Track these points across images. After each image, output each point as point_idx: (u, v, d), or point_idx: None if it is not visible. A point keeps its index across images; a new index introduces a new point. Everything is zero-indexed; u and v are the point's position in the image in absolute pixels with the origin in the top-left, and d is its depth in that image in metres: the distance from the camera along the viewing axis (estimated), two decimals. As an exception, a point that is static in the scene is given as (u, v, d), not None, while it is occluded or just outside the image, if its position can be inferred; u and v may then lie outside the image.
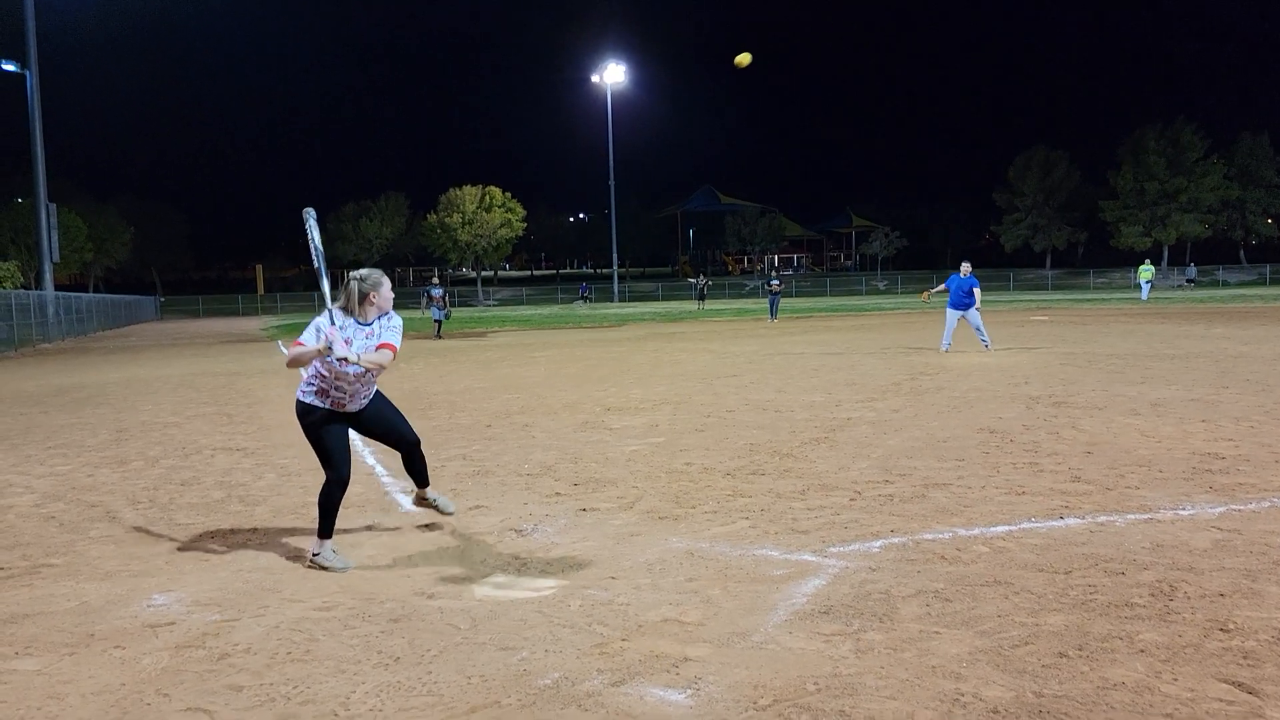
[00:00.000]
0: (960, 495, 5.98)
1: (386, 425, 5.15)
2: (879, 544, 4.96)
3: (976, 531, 5.14)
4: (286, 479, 7.23)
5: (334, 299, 4.85)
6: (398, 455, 5.40)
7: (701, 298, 49.15)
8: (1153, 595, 4.04)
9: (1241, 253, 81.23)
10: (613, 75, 68.50)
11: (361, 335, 4.77)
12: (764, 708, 3.08)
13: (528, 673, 3.43)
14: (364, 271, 4.89)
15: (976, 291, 16.15)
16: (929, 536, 5.06)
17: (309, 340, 4.68)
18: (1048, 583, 4.25)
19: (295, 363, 4.79)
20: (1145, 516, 5.35)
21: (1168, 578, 4.26)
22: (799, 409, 10.03)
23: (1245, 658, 3.36)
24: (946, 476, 6.52)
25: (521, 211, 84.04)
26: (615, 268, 74.89)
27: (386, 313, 4.92)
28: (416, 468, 5.34)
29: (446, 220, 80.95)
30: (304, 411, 4.86)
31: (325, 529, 4.85)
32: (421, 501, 5.50)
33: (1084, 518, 5.35)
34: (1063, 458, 7.06)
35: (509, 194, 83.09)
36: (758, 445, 7.95)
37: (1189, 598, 4.00)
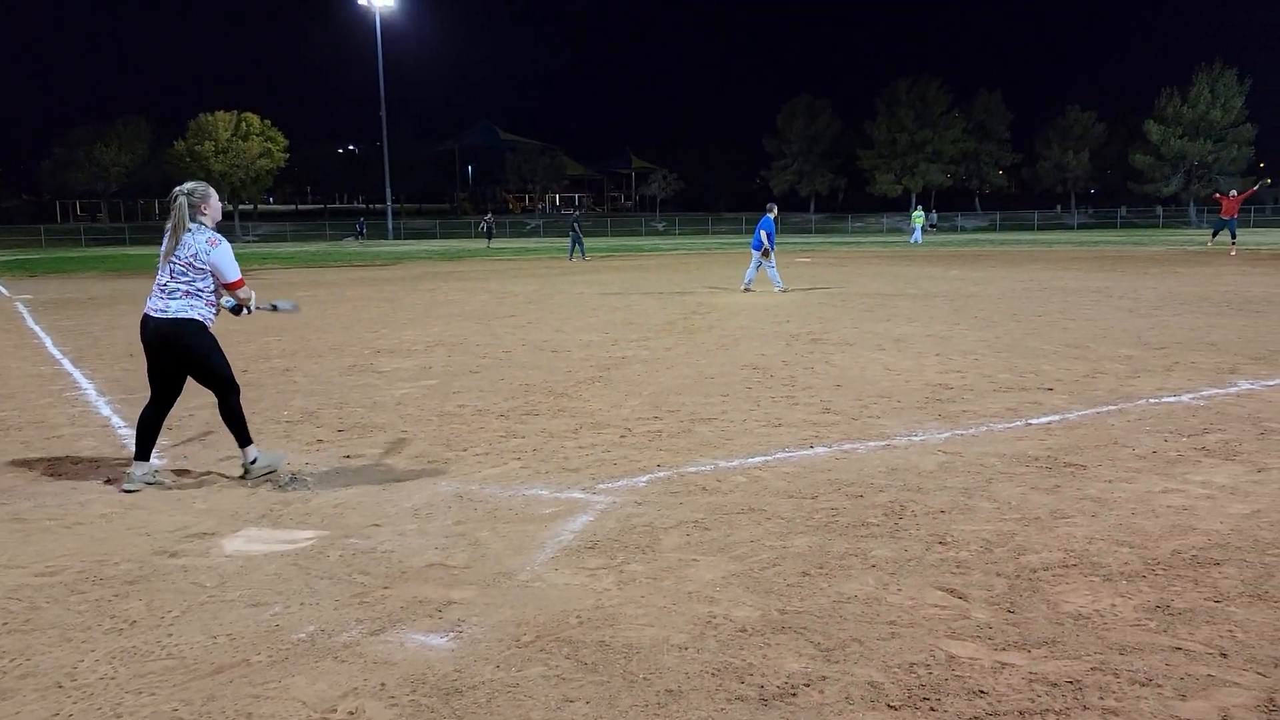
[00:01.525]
0: (723, 429, 6.26)
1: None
2: (645, 479, 5.11)
3: (736, 463, 5.40)
4: (3, 434, 6.50)
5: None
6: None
7: (489, 236, 48.43)
8: (885, 515, 4.42)
9: (977, 201, 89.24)
10: (383, -3, 64.67)
11: (187, 251, 4.93)
12: (526, 644, 3.11)
13: (280, 628, 3.28)
14: (189, 185, 5.05)
15: (761, 234, 16.78)
16: (692, 469, 5.28)
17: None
18: (796, 508, 4.55)
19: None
20: (883, 443, 5.82)
21: (899, 498, 4.67)
22: (576, 348, 10.12)
23: (958, 567, 3.75)
24: (712, 411, 6.81)
25: (283, 141, 78.70)
26: (390, 203, 72.01)
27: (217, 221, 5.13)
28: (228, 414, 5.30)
29: (197, 148, 74.56)
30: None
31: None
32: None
33: (831, 446, 5.76)
34: (816, 391, 7.54)
35: (268, 121, 77.55)
36: (533, 385, 7.96)
37: (915, 516, 4.40)
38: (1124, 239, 45.79)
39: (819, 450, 5.66)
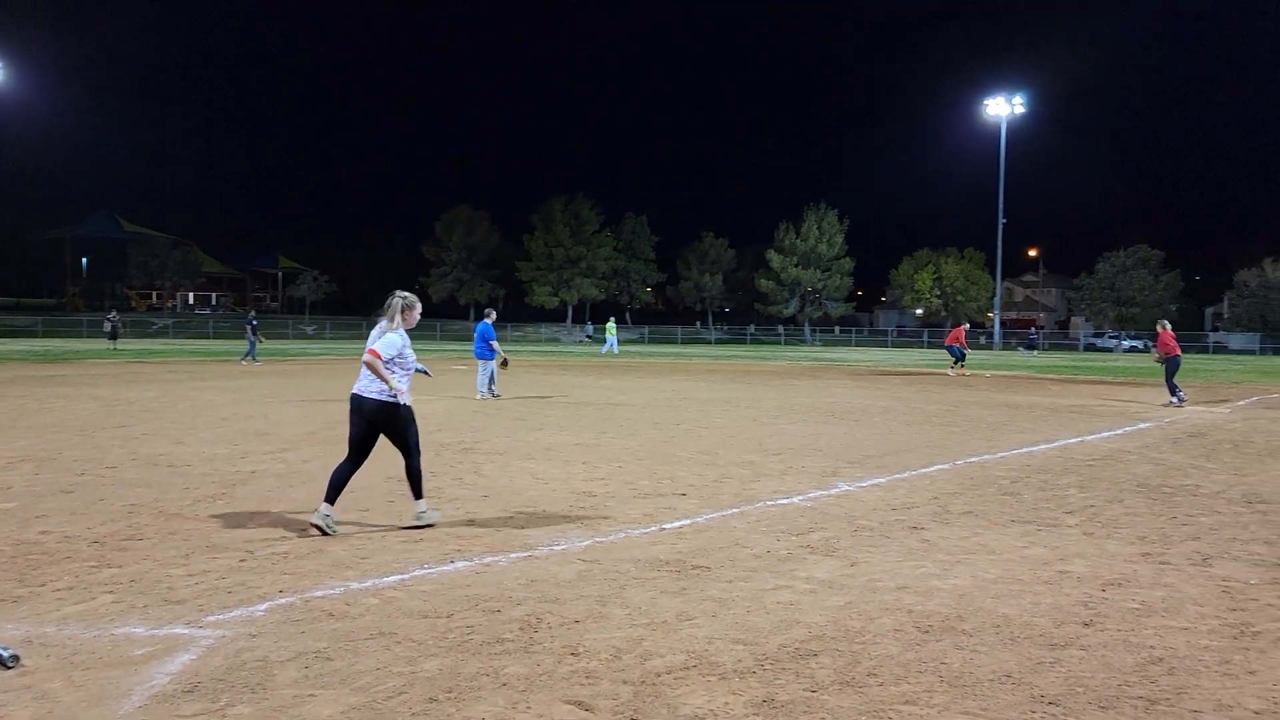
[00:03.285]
0: (359, 547, 5.92)
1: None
2: (264, 607, 4.66)
3: (369, 583, 5.10)
4: None
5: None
6: None
7: (113, 336, 43.14)
8: (521, 629, 4.36)
9: (628, 315, 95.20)
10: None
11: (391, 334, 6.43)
12: (89, 821, 2.62)
13: None
14: (406, 293, 6.58)
15: (492, 343, 16.82)
16: (319, 594, 4.90)
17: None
18: (429, 628, 4.35)
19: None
20: (525, 554, 5.80)
21: (536, 611, 4.63)
22: (198, 463, 9.19)
23: (588, 677, 3.75)
24: (347, 529, 6.42)
25: None
26: (-18, 296, 62.06)
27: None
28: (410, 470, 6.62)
29: None
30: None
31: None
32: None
33: (473, 560, 5.63)
34: (462, 502, 7.41)
35: None
36: (140, 506, 7.07)
37: (550, 628, 4.38)
38: (752, 354, 50.89)
39: (459, 565, 5.52)
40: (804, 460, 9.94)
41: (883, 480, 8.79)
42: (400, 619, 4.49)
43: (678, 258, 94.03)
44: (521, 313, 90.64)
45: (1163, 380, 18.34)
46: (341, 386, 20.12)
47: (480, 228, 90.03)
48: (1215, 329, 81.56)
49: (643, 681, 3.71)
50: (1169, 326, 18.32)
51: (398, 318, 6.47)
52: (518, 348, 58.58)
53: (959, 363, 29.11)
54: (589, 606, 4.72)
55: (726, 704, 3.49)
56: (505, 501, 7.47)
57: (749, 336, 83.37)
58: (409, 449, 6.48)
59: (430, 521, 6.50)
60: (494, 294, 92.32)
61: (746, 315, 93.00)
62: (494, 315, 17.55)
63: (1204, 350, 67.03)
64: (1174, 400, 17.70)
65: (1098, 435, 12.70)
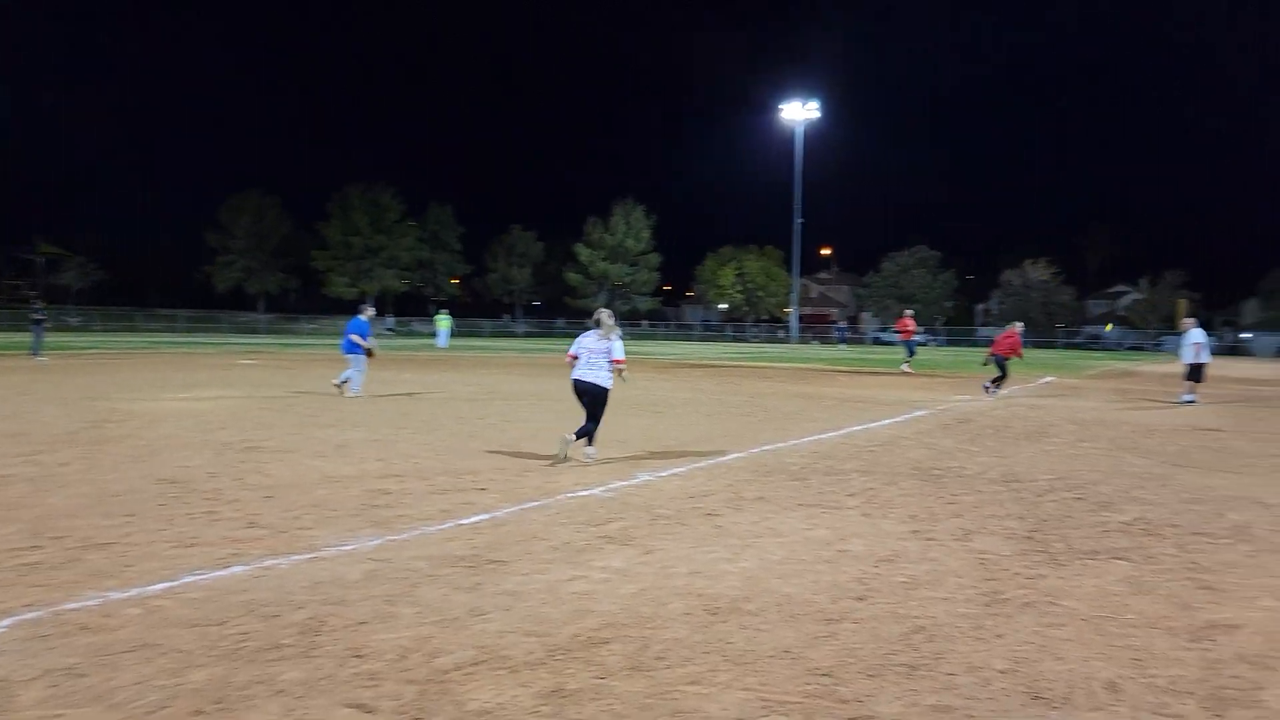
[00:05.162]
0: (122, 554, 5.46)
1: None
2: (6, 623, 4.21)
3: (132, 593, 4.71)
4: None
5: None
6: None
7: None
8: (301, 633, 4.15)
9: (432, 307, 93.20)
10: None
11: (603, 344, 9.32)
12: None
13: None
14: (607, 312, 9.58)
15: (354, 337, 16.01)
16: (73, 606, 4.47)
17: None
18: (199, 637, 4.06)
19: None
20: (310, 556, 5.53)
21: (319, 614, 4.43)
22: (-67, 467, 8.19)
23: (371, 679, 3.62)
24: (111, 535, 5.91)
25: None
26: None
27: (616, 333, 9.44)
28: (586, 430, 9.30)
29: None
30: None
31: (589, 439, 9.44)
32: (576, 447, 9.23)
33: (251, 564, 5.31)
34: (243, 504, 6.98)
35: None
36: None
37: (334, 630, 4.19)
38: (561, 348, 50.91)
39: (236, 570, 5.19)
40: (607, 452, 10.02)
41: (682, 470, 9.01)
42: (166, 629, 4.17)
43: (485, 250, 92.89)
44: (316, 303, 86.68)
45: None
46: (107, 382, 18.50)
47: (270, 214, 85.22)
48: (985, 324, 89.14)
49: (428, 680, 3.62)
50: (1019, 328, 19.53)
51: (609, 326, 9.28)
52: (313, 340, 56.08)
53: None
54: (376, 607, 4.56)
55: (515, 696, 3.46)
56: (291, 501, 7.10)
57: (558, 330, 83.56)
58: (597, 418, 9.28)
59: (590, 458, 9.31)
60: (286, 284, 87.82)
61: (555, 309, 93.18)
62: (371, 311, 16.88)
63: (973, 344, 73.17)
64: (994, 391, 18.88)
65: (879, 423, 13.58)
